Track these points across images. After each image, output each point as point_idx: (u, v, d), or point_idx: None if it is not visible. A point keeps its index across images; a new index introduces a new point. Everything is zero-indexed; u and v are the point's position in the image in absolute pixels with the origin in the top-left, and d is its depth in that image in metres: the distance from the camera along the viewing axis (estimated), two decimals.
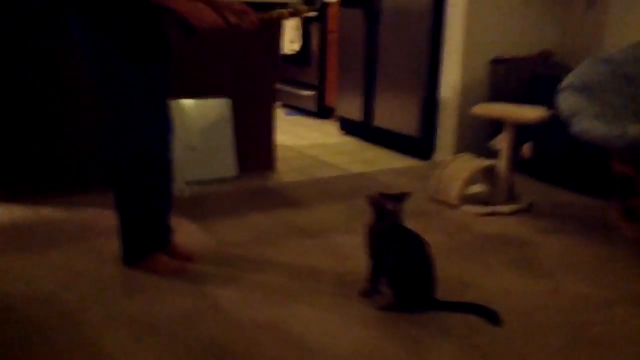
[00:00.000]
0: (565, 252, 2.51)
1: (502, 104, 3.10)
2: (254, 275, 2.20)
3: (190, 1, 1.83)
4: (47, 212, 2.75)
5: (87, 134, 2.94)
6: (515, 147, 3.03)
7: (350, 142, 4.43)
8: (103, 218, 2.62)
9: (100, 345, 1.73)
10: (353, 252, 2.42)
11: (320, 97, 5.29)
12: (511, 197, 3.11)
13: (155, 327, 1.83)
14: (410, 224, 2.01)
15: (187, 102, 3.13)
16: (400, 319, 1.92)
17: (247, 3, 2.08)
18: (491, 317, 1.92)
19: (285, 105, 5.64)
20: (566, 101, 2.87)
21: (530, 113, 2.86)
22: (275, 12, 2.14)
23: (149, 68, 1.99)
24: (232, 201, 3.01)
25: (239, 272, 2.21)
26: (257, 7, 3.06)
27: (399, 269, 1.94)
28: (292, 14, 2.18)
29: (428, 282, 1.96)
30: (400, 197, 1.94)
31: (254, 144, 3.47)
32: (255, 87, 3.41)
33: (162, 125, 2.11)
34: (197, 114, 3.16)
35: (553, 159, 3.43)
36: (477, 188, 3.15)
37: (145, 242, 2.18)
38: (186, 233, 2.52)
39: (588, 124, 2.65)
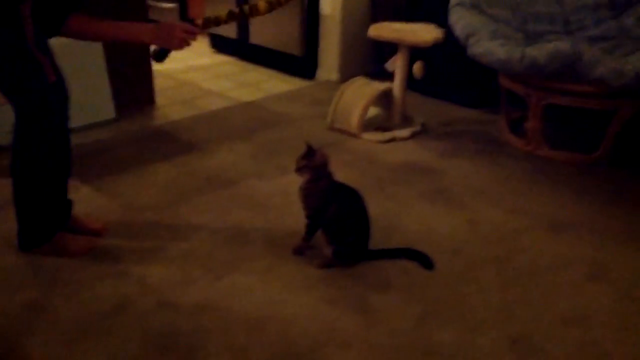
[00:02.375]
0: (469, 176, 2.61)
1: (396, 23, 3.03)
2: (175, 244, 2.03)
3: (155, 28, 1.77)
4: None
5: None
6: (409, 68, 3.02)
7: (227, 62, 4.17)
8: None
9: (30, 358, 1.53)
10: (271, 201, 2.33)
11: (182, 10, 4.85)
12: (405, 119, 3.14)
13: (89, 325, 1.65)
14: None
15: (53, 43, 2.68)
16: (341, 276, 1.90)
17: None
18: (424, 261, 1.97)
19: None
20: (459, 21, 2.86)
21: (427, 35, 2.83)
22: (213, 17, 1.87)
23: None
24: (124, 151, 2.72)
25: (158, 243, 2.03)
26: None
27: (339, 226, 1.89)
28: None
29: (365, 235, 1.94)
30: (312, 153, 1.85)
31: (131, 80, 3.13)
32: (126, 16, 3.01)
33: (59, 85, 1.83)
34: (66, 56, 2.73)
35: (440, 75, 3.48)
36: (371, 111, 3.13)
37: (49, 222, 1.91)
38: (84, 201, 2.25)
39: (485, 46, 2.68)
